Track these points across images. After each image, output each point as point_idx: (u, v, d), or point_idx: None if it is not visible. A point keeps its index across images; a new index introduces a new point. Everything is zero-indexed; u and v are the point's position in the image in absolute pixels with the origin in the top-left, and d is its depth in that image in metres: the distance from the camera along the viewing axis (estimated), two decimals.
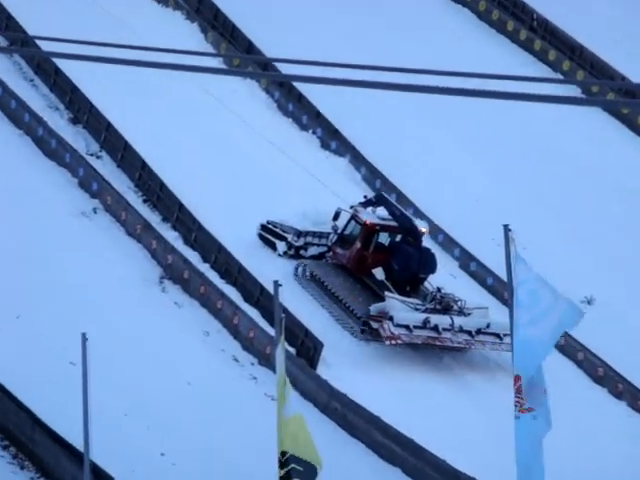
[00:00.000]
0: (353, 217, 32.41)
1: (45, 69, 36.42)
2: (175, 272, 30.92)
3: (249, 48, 38.46)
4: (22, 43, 33.89)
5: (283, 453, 15.04)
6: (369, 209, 32.28)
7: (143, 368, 27.23)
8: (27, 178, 32.96)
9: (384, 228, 32.12)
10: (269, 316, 28.31)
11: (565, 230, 34.10)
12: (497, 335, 30.51)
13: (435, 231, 33.74)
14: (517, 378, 16.35)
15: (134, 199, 33.32)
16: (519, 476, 18.03)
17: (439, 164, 36.98)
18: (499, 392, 28.41)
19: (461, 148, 36.17)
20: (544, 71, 40.78)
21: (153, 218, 32.74)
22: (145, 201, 33.84)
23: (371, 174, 36.45)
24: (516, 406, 16.56)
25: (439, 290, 31.38)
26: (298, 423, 15.26)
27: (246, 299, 30.25)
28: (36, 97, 36.40)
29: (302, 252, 33.66)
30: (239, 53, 38.93)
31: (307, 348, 28.30)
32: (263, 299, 29.18)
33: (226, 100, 34.92)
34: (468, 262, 33.18)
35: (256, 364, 28.47)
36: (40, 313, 27.56)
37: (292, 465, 14.89)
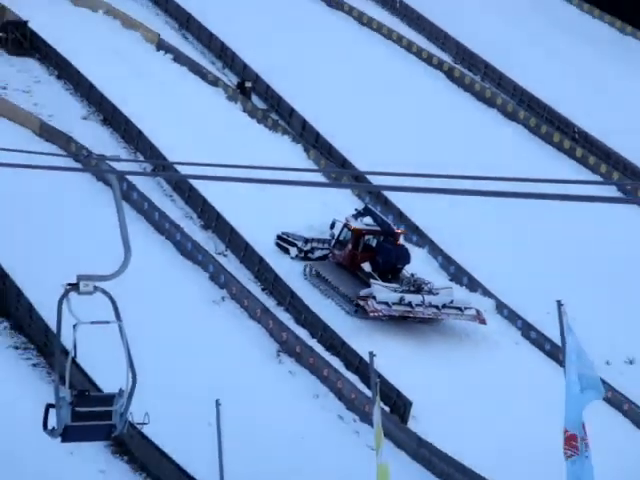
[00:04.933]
0: (345, 225, 33.94)
1: (181, 187, 36.91)
2: (289, 347, 30.93)
3: (344, 163, 38.86)
4: (163, 168, 34.05)
5: None
6: (358, 219, 33.69)
7: (267, 426, 26.91)
8: (169, 274, 33.00)
9: (369, 232, 33.76)
10: (367, 380, 28.37)
11: (608, 300, 33.09)
12: (459, 308, 32.06)
13: (500, 307, 33.38)
14: (566, 431, 14.30)
15: (254, 288, 33.24)
16: None
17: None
18: (464, 352, 31.55)
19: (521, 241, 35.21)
20: (585, 174, 40.59)
21: (269, 303, 32.62)
22: (263, 289, 33.72)
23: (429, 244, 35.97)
24: (565, 453, 14.27)
25: (413, 275, 32.91)
26: (384, 470, 14.98)
27: (347, 367, 30.16)
28: (174, 209, 36.53)
29: (310, 255, 34.85)
30: (335, 167, 39.26)
31: (395, 406, 28.14)
32: (361, 367, 29.13)
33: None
34: (528, 331, 32.94)
35: (358, 421, 28.32)
36: (179, 379, 27.65)
37: None
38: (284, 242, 35.06)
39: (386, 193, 36.59)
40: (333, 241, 34.46)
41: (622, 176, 40.20)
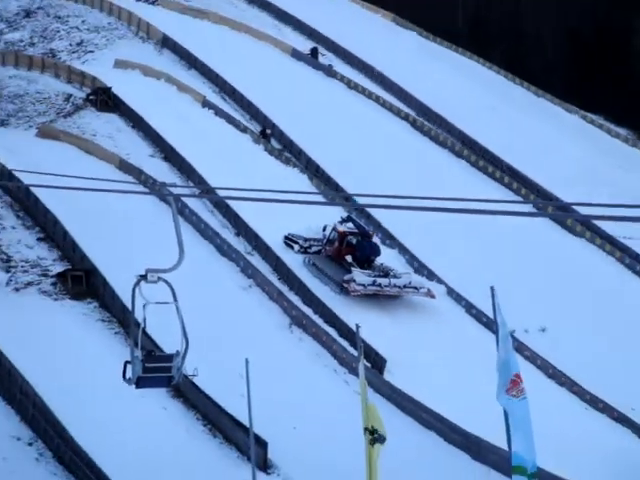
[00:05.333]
0: (333, 228, 34.00)
1: (219, 205, 36.76)
2: (298, 320, 30.74)
3: (336, 187, 38.97)
4: (207, 191, 34.09)
5: (366, 428, 14.30)
6: (343, 224, 33.87)
7: (282, 377, 26.94)
8: (211, 268, 32.63)
9: (350, 233, 33.51)
10: (354, 344, 28.28)
11: (526, 285, 32.80)
12: (415, 288, 32.23)
13: (450, 292, 33.27)
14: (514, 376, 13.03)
15: (272, 278, 33.19)
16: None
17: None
18: (421, 320, 31.50)
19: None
20: (510, 195, 40.64)
21: (283, 288, 32.58)
22: (279, 279, 33.58)
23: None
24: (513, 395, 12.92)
25: (382, 265, 33.01)
26: (373, 408, 14.77)
27: (339, 334, 30.18)
28: (214, 221, 36.52)
29: (308, 250, 34.63)
30: (330, 191, 38.95)
31: (374, 362, 28.09)
32: (349, 334, 29.03)
33: None
34: (470, 309, 32.80)
35: (347, 373, 28.24)
36: (218, 344, 27.40)
37: (375, 435, 14.23)
38: (290, 240, 34.99)
39: (368, 209, 36.37)
40: (325, 240, 34.39)
41: (535, 197, 40.28)
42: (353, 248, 33.11)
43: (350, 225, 33.84)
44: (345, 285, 31.95)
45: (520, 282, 30.57)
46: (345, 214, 35.28)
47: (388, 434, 14.27)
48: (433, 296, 32.05)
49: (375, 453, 13.70)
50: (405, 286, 32.05)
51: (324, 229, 34.34)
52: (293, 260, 34.22)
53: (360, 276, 31.95)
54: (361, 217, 36.08)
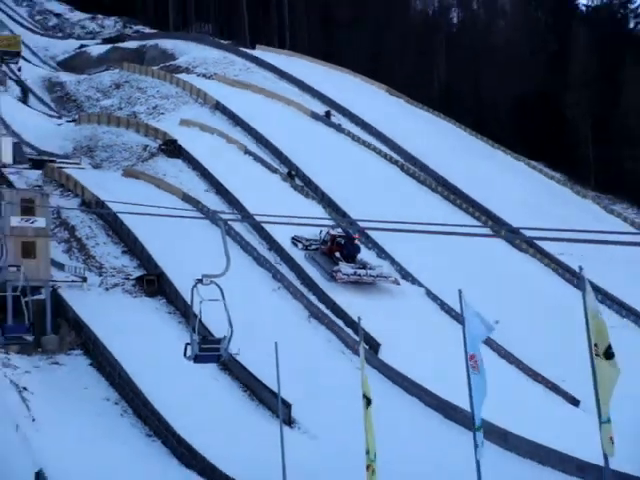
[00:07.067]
0: (327, 232, 34.11)
1: (256, 227, 36.43)
2: (314, 314, 30.39)
3: (344, 214, 38.29)
4: (247, 217, 34.00)
5: (364, 394, 13.92)
6: (334, 230, 33.94)
7: (303, 356, 26.46)
8: (249, 275, 32.00)
9: (339, 237, 33.58)
10: (348, 324, 28.72)
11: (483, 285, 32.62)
12: (385, 277, 32.33)
13: (417, 283, 32.83)
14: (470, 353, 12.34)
15: (297, 284, 32.79)
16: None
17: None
18: (389, 301, 31.22)
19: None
20: (469, 220, 40.09)
21: (303, 289, 32.24)
22: (301, 283, 32.96)
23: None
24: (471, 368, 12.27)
25: (361, 260, 33.13)
26: (365, 379, 14.38)
27: (337, 315, 30.07)
28: (253, 239, 36.32)
29: (308, 247, 34.65)
30: (338, 217, 38.15)
31: (371, 345, 27.84)
32: (341, 312, 29.37)
33: None
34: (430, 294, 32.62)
35: (350, 354, 28.06)
36: (254, 331, 26.88)
37: (368, 397, 13.90)
38: (295, 240, 35.23)
39: (367, 231, 36.29)
40: (320, 240, 34.60)
41: (491, 222, 40.07)
42: (341, 247, 33.47)
43: (339, 230, 33.96)
44: (334, 274, 32.24)
45: (479, 284, 30.44)
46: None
47: (380, 399, 14.25)
48: (398, 283, 32.49)
49: (369, 415, 13.48)
50: (378, 275, 32.42)
51: (320, 233, 34.59)
52: (298, 255, 34.54)
53: (345, 268, 32.34)
54: (362, 238, 35.72)
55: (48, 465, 19.48)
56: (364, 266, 32.67)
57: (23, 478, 18.99)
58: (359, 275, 32.16)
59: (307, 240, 34.95)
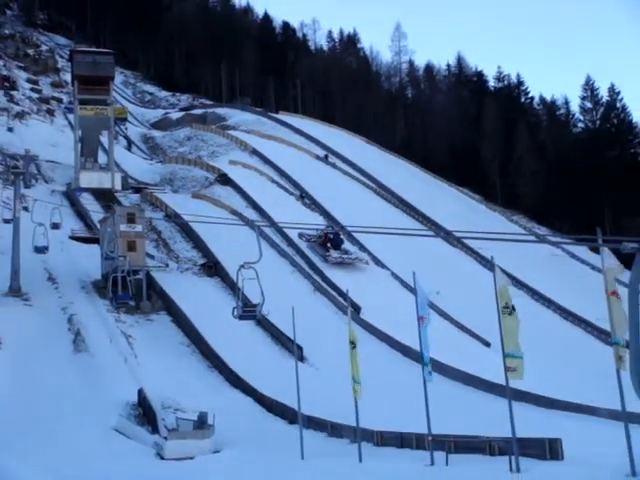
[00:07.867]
0: (322, 231, 33.55)
1: (278, 230, 35.49)
2: (318, 287, 30.16)
3: (338, 223, 37.63)
4: (272, 224, 33.34)
5: (351, 341, 13.24)
6: (327, 229, 33.46)
7: (315, 323, 25.53)
8: (276, 263, 31.58)
9: (330, 234, 33.27)
10: (342, 295, 27.82)
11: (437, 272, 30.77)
12: (360, 259, 32.14)
13: (383, 265, 32.25)
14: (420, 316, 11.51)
15: (306, 267, 32.34)
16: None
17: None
18: (363, 276, 30.42)
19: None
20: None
21: (309, 271, 31.67)
22: (309, 268, 32.28)
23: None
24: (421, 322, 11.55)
25: (344, 248, 32.84)
26: (352, 331, 13.75)
27: (339, 295, 29.28)
28: (278, 239, 35.72)
29: (310, 241, 34.04)
30: (333, 224, 37.22)
31: (355, 308, 27.25)
32: (344, 295, 28.39)
33: None
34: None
35: (342, 315, 27.40)
36: (288, 311, 24.89)
37: (353, 344, 13.19)
38: (302, 236, 34.84)
39: (354, 234, 35.41)
40: (318, 236, 34.17)
41: (431, 225, 39.47)
42: (330, 240, 33.55)
43: (330, 229, 34.05)
44: (327, 257, 32.49)
45: (426, 268, 30.11)
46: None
47: (361, 345, 13.93)
48: (368, 263, 32.66)
49: (355, 354, 13.27)
50: (354, 258, 32.71)
51: (316, 230, 34.29)
52: (304, 246, 34.06)
53: (334, 254, 32.61)
54: (346, 236, 35.05)
55: (145, 384, 19.46)
56: (346, 252, 33.12)
57: (130, 392, 19.20)
58: (342, 258, 32.52)
59: (309, 236, 34.99)
